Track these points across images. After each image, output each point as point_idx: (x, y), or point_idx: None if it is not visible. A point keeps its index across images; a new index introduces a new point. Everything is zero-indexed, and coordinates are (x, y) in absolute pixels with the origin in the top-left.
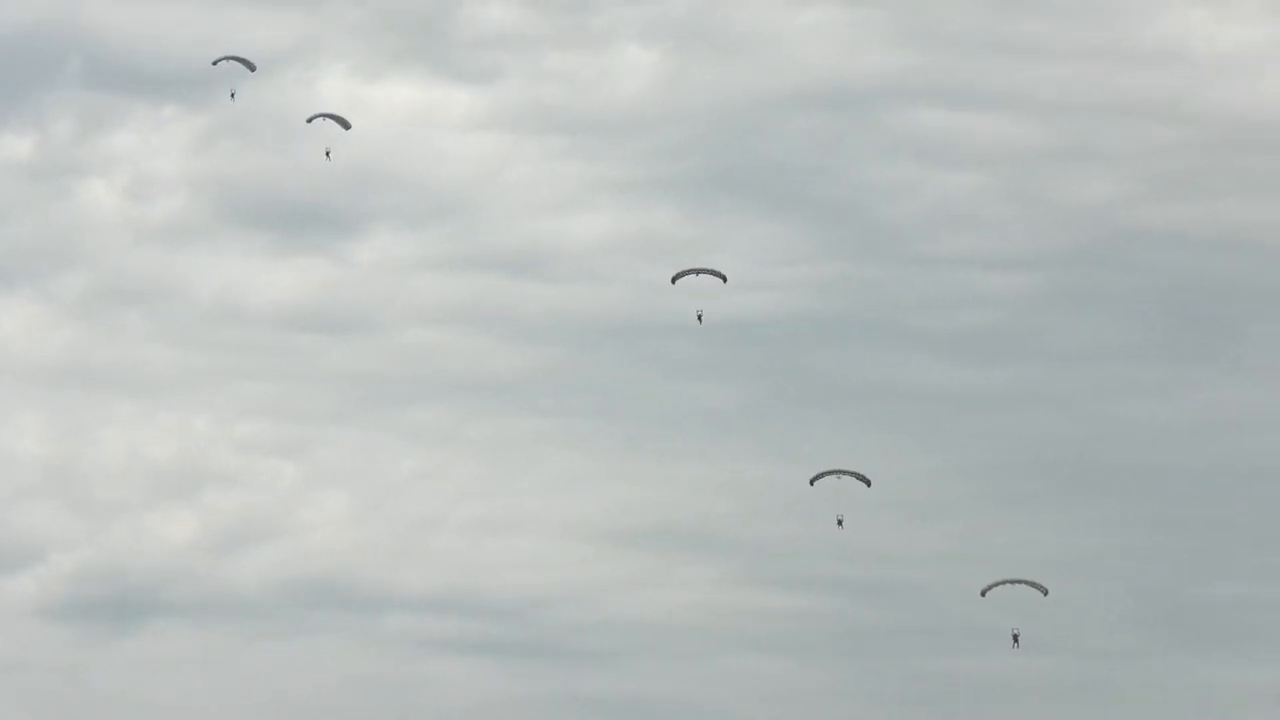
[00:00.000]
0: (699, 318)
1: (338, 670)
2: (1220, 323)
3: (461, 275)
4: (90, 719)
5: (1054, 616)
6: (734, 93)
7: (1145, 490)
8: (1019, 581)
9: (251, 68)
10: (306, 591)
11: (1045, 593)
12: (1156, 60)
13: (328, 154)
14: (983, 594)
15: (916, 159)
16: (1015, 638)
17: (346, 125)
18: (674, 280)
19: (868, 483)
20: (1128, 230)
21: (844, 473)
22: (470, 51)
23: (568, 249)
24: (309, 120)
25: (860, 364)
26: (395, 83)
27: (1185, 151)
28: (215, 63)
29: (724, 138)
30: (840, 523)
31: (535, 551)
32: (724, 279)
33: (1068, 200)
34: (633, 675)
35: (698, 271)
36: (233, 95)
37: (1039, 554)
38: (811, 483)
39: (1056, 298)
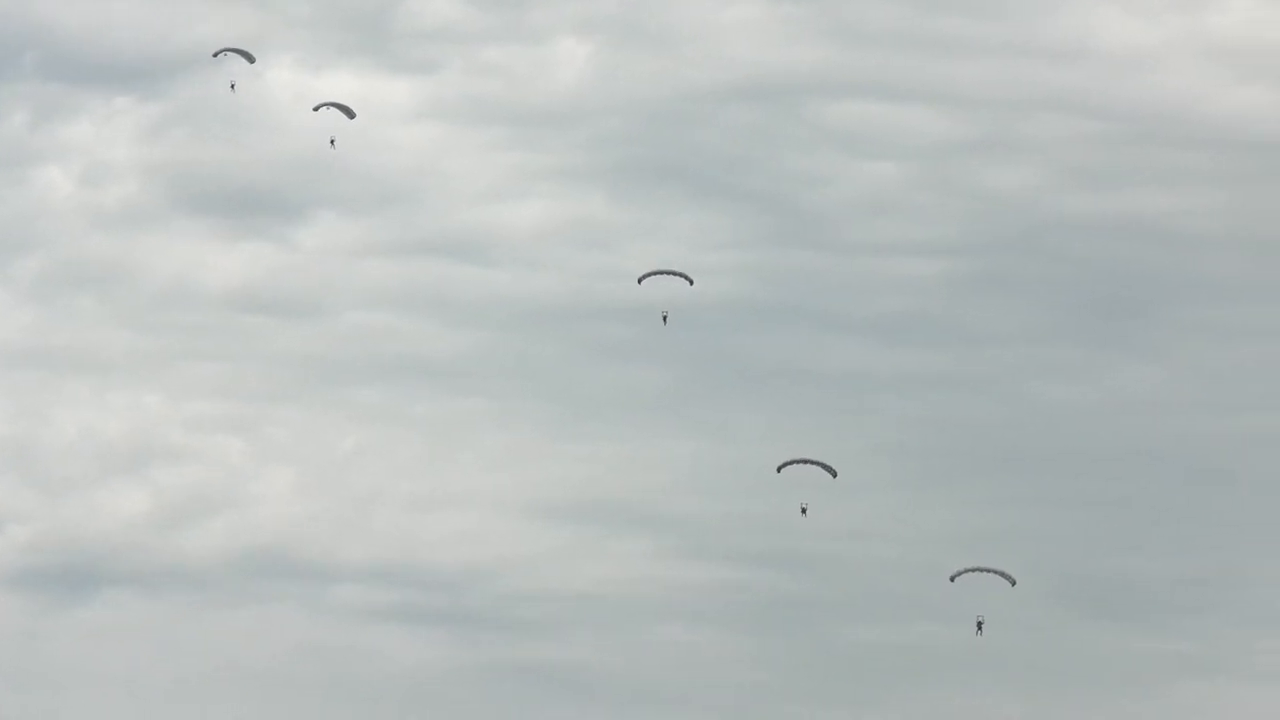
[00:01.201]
0: (664, 319)
1: (284, 638)
2: (1132, 308)
3: (403, 260)
4: (45, 684)
5: (971, 589)
6: (665, 85)
7: (1060, 469)
8: (988, 570)
9: (251, 59)
10: (254, 563)
11: (1013, 583)
12: (1069, 56)
13: (332, 142)
14: (952, 579)
15: (840, 150)
16: (979, 625)
17: (351, 114)
18: (640, 281)
19: (833, 473)
20: (1043, 219)
21: (810, 462)
22: (412, 45)
23: (505, 235)
24: (315, 109)
25: (785, 347)
26: (340, 75)
27: (1098, 143)
28: (216, 54)
29: (655, 129)
30: (804, 511)
31: (473, 525)
32: (690, 281)
33: (985, 190)
34: (566, 644)
35: (664, 273)
36: (233, 86)
37: (958, 530)
38: (779, 470)
39: (975, 283)
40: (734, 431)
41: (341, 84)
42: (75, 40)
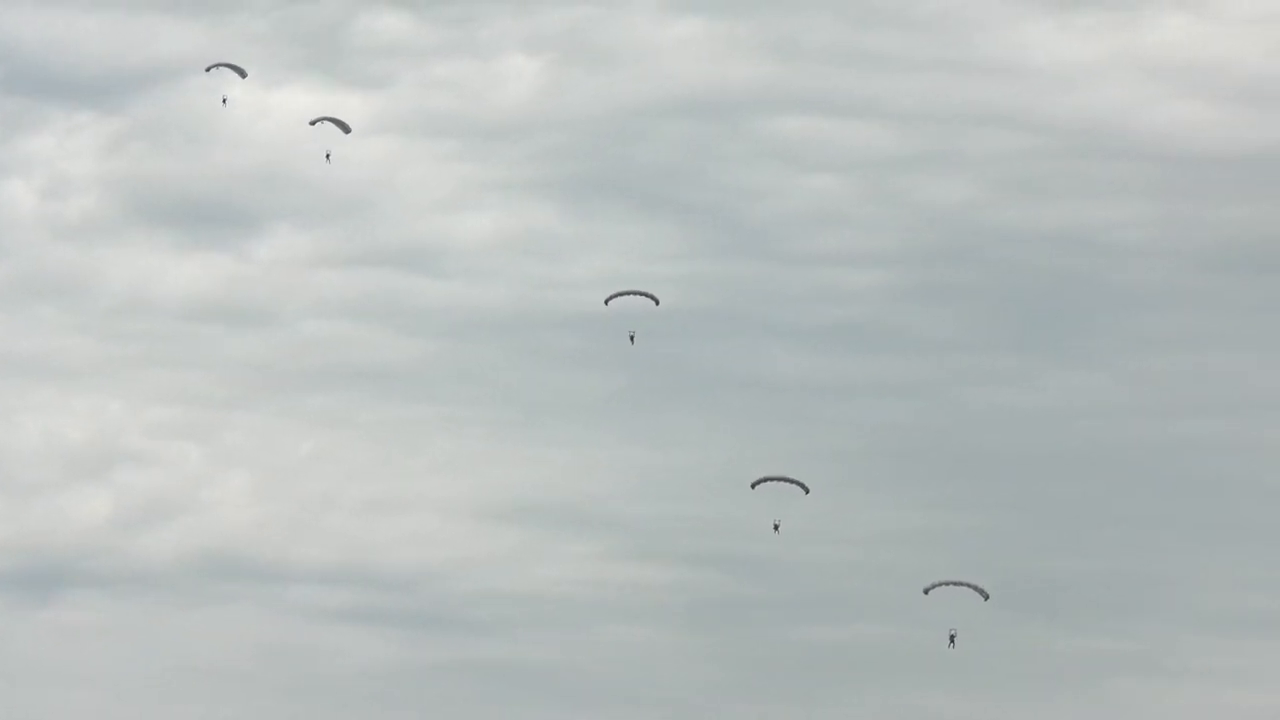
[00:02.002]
0: (631, 339)
1: (241, 637)
2: (1065, 316)
3: (355, 271)
4: (8, 682)
5: (905, 588)
6: (611, 100)
7: (995, 472)
8: (961, 584)
9: (243, 74)
10: (211, 564)
11: (986, 597)
12: (1004, 72)
13: (328, 156)
14: (926, 592)
15: (781, 163)
16: (952, 638)
17: (346, 129)
18: (607, 302)
19: (806, 489)
20: (978, 230)
21: (784, 479)
22: (365, 61)
23: (455, 246)
24: (311, 123)
25: (728, 355)
26: (295, 90)
27: (1031, 157)
28: (209, 69)
29: (601, 142)
30: (776, 527)
31: (424, 528)
32: (656, 301)
33: (922, 202)
34: (514, 642)
35: (631, 294)
36: (225, 100)
37: (897, 532)
38: (753, 486)
39: (913, 293)
40: (679, 437)
41: (296, 99)
42: (38, 57)
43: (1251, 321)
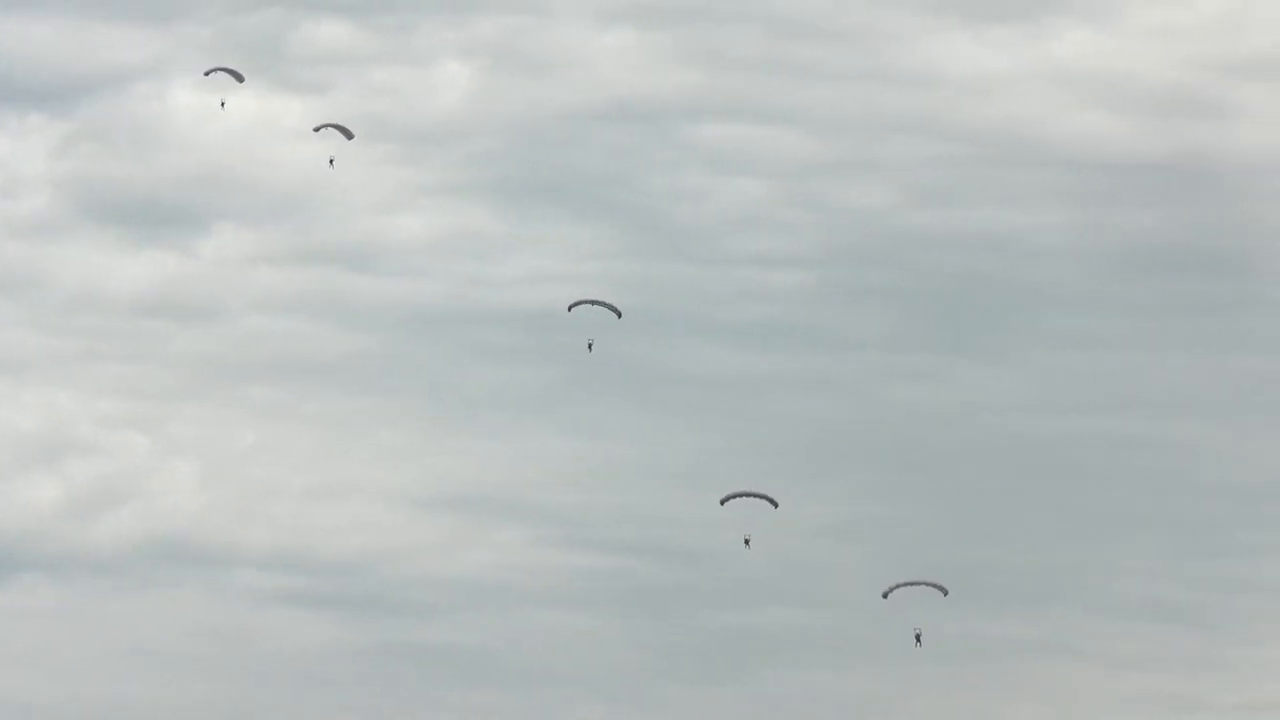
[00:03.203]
0: (589, 346)
1: (187, 620)
2: (977, 315)
3: (297, 268)
4: None
5: (823, 575)
6: (542, 106)
7: (913, 465)
8: (920, 583)
9: (240, 79)
10: (159, 550)
11: (945, 593)
12: (920, 82)
13: (331, 162)
14: (885, 596)
15: (707, 168)
16: (918, 637)
17: (349, 135)
18: (570, 309)
19: (774, 504)
20: (895, 233)
21: (752, 495)
22: (305, 67)
23: (392, 246)
24: (316, 130)
25: (655, 351)
26: (238, 95)
27: (946, 163)
28: (207, 74)
29: (533, 146)
30: (747, 542)
31: (364, 515)
32: (619, 314)
33: (842, 206)
34: (449, 627)
35: (593, 303)
36: (222, 104)
37: (813, 522)
38: (721, 503)
39: (833, 293)
40: (608, 429)
41: (240, 104)
42: None
43: (1155, 322)
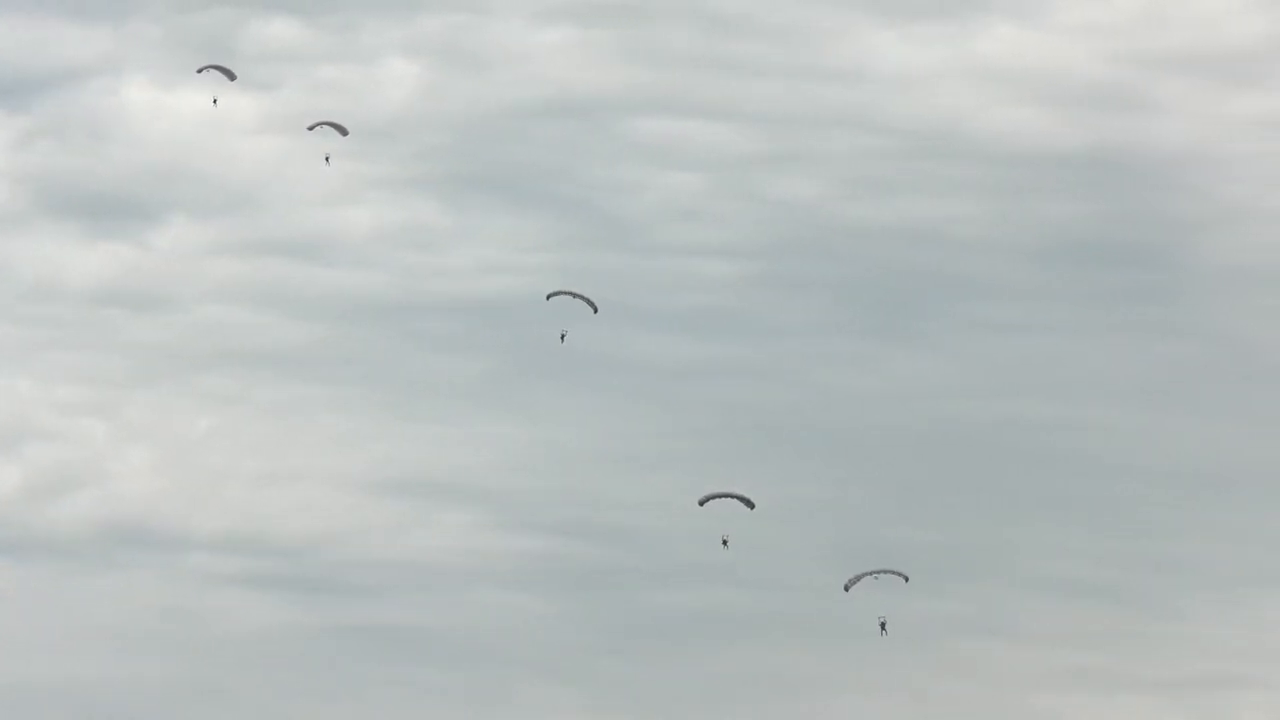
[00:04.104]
0: (562, 338)
1: (143, 602)
2: (907, 304)
3: (248, 259)
4: None
5: (761, 557)
6: (485, 102)
7: (843, 448)
8: (881, 572)
9: (232, 77)
10: (115, 533)
11: (906, 579)
12: (849, 78)
13: (327, 159)
14: (846, 589)
15: (644, 161)
16: (882, 626)
17: (344, 132)
18: (549, 298)
19: (751, 505)
20: (827, 224)
21: (730, 496)
22: (255, 64)
23: (341, 237)
24: (310, 128)
25: (596, 339)
26: (190, 91)
27: (875, 156)
28: (200, 70)
29: (477, 141)
30: (725, 543)
31: (313, 499)
32: (595, 309)
33: (774, 197)
34: (396, 607)
35: (572, 295)
36: (215, 101)
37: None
38: (700, 504)
39: (767, 282)
40: (549, 415)
41: (191, 100)
42: None
43: (1076, 309)
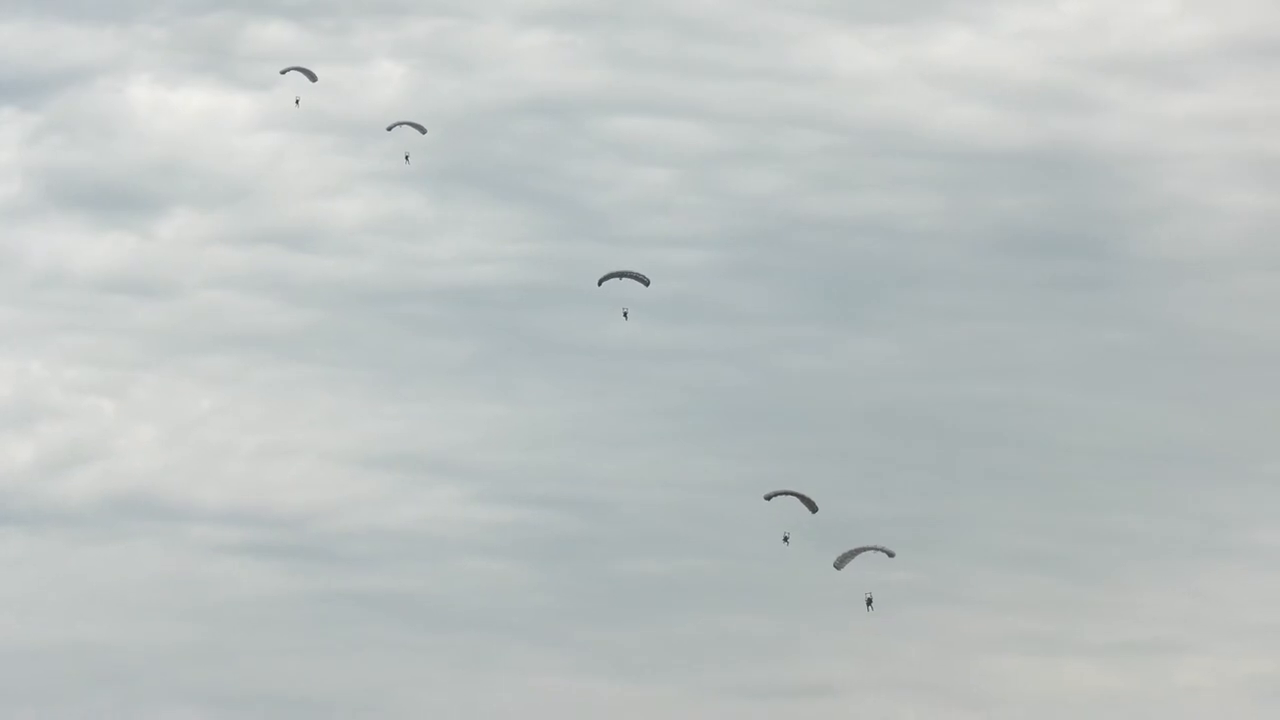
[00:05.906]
0: (625, 315)
1: (148, 570)
2: (864, 292)
3: (246, 248)
4: None
5: (723, 530)
6: (468, 101)
7: (803, 427)
8: (868, 549)
9: (313, 78)
10: (122, 505)
11: (891, 555)
12: (811, 78)
13: (407, 158)
14: (837, 567)
15: (617, 157)
16: (869, 601)
17: (423, 130)
18: (600, 283)
19: (814, 508)
20: (790, 217)
21: (794, 494)
22: (253, 64)
23: (333, 228)
24: (389, 129)
25: (571, 324)
26: (191, 90)
27: (835, 153)
28: (284, 72)
29: (461, 138)
30: (786, 539)
31: (308, 474)
32: (646, 283)
33: (740, 192)
34: (388, 574)
35: (621, 275)
36: (297, 102)
37: (715, 479)
38: (767, 499)
39: (731, 271)
40: (528, 395)
41: (192, 99)
42: None
43: (1025, 298)
